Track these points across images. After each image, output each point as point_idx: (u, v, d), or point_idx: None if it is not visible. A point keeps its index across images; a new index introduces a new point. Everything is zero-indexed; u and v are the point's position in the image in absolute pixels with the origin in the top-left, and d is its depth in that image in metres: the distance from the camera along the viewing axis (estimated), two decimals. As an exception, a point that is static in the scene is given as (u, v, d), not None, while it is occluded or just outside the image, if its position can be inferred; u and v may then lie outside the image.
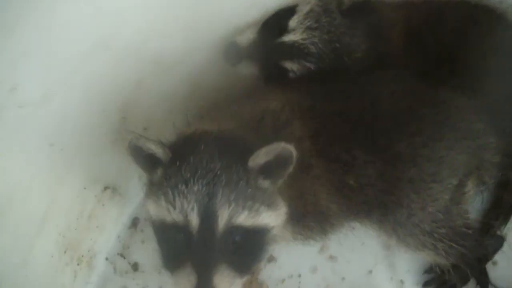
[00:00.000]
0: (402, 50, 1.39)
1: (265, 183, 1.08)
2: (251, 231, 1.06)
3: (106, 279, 1.47)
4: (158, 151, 1.05)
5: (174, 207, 1.04)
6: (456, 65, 1.34)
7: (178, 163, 1.05)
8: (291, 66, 1.39)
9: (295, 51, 1.38)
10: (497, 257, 1.44)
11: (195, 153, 1.06)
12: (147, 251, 1.47)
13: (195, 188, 1.03)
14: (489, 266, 1.42)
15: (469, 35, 1.38)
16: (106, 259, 1.49)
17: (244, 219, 1.05)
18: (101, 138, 1.34)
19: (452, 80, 1.31)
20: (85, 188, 1.38)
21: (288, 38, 1.39)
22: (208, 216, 1.03)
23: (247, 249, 1.07)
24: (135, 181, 1.48)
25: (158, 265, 1.10)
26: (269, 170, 1.06)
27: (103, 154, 1.36)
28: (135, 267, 1.48)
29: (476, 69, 1.31)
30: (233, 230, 1.04)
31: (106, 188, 1.45)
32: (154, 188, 1.08)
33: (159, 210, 1.06)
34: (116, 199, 1.48)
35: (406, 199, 1.21)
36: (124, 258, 1.49)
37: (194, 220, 1.02)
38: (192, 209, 1.02)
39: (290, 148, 1.02)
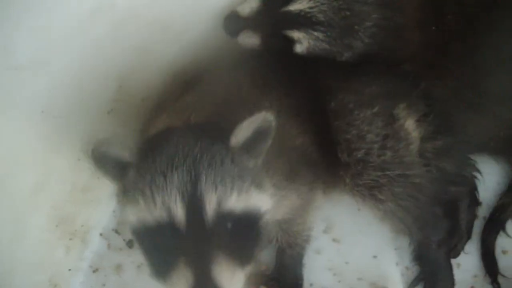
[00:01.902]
0: (418, 22, 1.31)
1: (250, 162, 0.98)
2: (244, 216, 0.95)
3: (100, 256, 1.42)
4: (125, 152, 0.95)
5: (155, 204, 0.92)
6: (478, 40, 1.27)
7: (150, 157, 0.94)
8: (298, 36, 1.30)
9: (302, 20, 1.29)
10: (507, 245, 1.39)
11: (169, 142, 0.95)
12: (143, 228, 1.44)
13: (175, 177, 0.92)
14: (498, 255, 1.37)
15: (496, 8, 1.30)
16: (101, 235, 1.43)
17: (234, 202, 0.94)
18: (97, 108, 1.27)
19: (471, 56, 1.25)
20: (79, 160, 1.31)
21: (294, 7, 1.29)
22: (194, 205, 0.91)
23: (242, 236, 0.96)
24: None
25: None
26: (250, 146, 0.97)
27: (98, 124, 1.29)
28: (130, 244, 1.42)
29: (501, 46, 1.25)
30: (224, 216, 0.93)
31: (101, 159, 1.38)
32: (128, 194, 0.97)
33: (138, 213, 0.94)
34: (112, 173, 1.42)
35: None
36: (119, 234, 1.43)
37: (179, 212, 0.91)
38: (175, 201, 0.91)
39: (270, 117, 0.94)
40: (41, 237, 1.29)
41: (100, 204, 1.43)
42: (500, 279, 1.36)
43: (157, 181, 0.92)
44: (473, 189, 1.41)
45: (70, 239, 1.37)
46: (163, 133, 1.02)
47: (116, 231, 1.44)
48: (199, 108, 1.11)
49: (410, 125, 1.29)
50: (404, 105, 1.29)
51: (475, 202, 1.42)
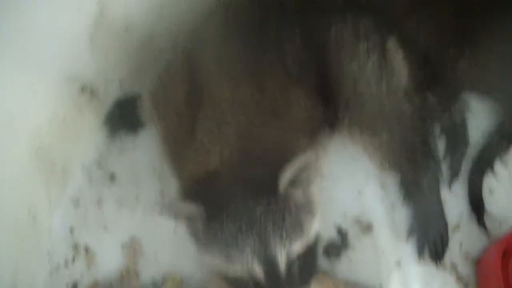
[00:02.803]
0: None
1: (298, 193, 1.07)
2: (308, 251, 1.07)
3: (81, 189, 1.39)
4: (193, 212, 1.05)
5: (234, 264, 1.04)
6: None
7: (215, 217, 1.04)
8: None
9: None
10: (494, 185, 1.38)
11: (229, 203, 1.04)
12: (125, 162, 1.41)
13: (247, 240, 1.02)
14: (485, 194, 1.36)
15: None
16: (82, 168, 1.41)
17: (299, 246, 1.05)
18: (77, 29, 1.23)
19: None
20: (59, 86, 1.28)
21: None
22: (269, 263, 1.03)
23: (308, 267, 1.08)
24: (115, 86, 1.42)
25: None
26: (297, 182, 1.05)
27: (79, 48, 1.25)
28: (111, 177, 1.40)
29: None
30: (293, 261, 1.05)
31: (83, 89, 1.34)
32: (200, 241, 1.09)
33: (217, 265, 1.07)
34: (94, 104, 1.38)
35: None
36: (101, 167, 1.41)
37: (258, 270, 1.03)
38: (252, 261, 1.03)
39: (312, 157, 1.04)
40: (19, 165, 1.26)
41: (82, 137, 1.39)
42: (486, 218, 1.35)
43: (232, 242, 1.03)
44: (462, 127, 1.40)
45: (51, 170, 1.34)
46: (212, 182, 1.07)
47: (98, 165, 1.41)
48: (225, 140, 1.12)
49: (400, 58, 1.27)
50: (395, 37, 1.27)
51: (463, 141, 1.41)
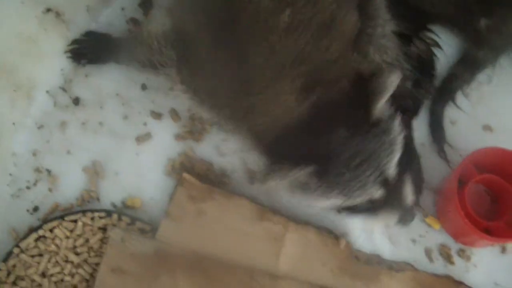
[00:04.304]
0: None
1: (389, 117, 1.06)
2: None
3: (45, 113, 1.39)
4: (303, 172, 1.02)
5: (355, 198, 1.06)
6: None
7: (327, 169, 1.02)
8: None
9: None
10: (456, 116, 1.39)
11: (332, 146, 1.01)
12: (90, 86, 1.41)
13: (366, 172, 1.03)
14: (446, 125, 1.37)
15: None
16: (47, 92, 1.39)
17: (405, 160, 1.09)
18: None
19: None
20: (23, 3, 1.28)
21: None
22: (387, 185, 1.06)
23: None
24: (82, 11, 1.42)
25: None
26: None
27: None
28: (76, 101, 1.39)
29: None
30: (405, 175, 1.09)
31: (48, 10, 1.34)
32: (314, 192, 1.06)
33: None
34: (60, 27, 1.37)
35: None
36: (66, 92, 1.40)
37: (378, 194, 1.06)
38: (373, 187, 1.05)
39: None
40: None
41: (47, 60, 1.39)
42: (447, 149, 1.37)
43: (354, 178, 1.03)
44: (429, 59, 1.40)
45: (15, 90, 1.34)
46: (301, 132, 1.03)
47: (63, 89, 1.40)
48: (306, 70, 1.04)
49: None
50: None
51: (430, 73, 1.41)
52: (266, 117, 1.05)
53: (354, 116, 1.01)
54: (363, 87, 1.00)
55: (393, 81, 0.99)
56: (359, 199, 1.06)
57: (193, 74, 1.13)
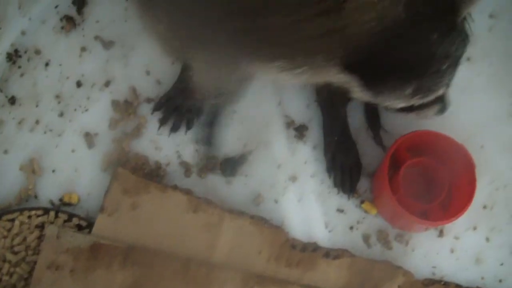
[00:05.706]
0: None
1: None
2: None
3: (-19, 113, 1.40)
4: None
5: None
6: None
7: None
8: None
9: None
10: (391, 102, 1.39)
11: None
12: (26, 85, 1.40)
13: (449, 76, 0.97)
14: (382, 110, 1.36)
15: None
16: (-18, 92, 1.40)
17: None
18: None
19: None
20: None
21: None
22: None
23: None
24: (14, 8, 1.42)
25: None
26: None
27: None
28: (12, 100, 1.39)
29: None
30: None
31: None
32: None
33: None
34: (-8, 26, 1.38)
35: None
36: (1, 91, 1.40)
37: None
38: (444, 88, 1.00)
39: None
40: None
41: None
42: (382, 134, 1.37)
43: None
44: None
45: None
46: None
47: (-1, 88, 1.42)
48: None
49: None
50: None
51: None
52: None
53: (444, 21, 0.92)
54: None
55: None
56: (431, 97, 1.00)
57: None
